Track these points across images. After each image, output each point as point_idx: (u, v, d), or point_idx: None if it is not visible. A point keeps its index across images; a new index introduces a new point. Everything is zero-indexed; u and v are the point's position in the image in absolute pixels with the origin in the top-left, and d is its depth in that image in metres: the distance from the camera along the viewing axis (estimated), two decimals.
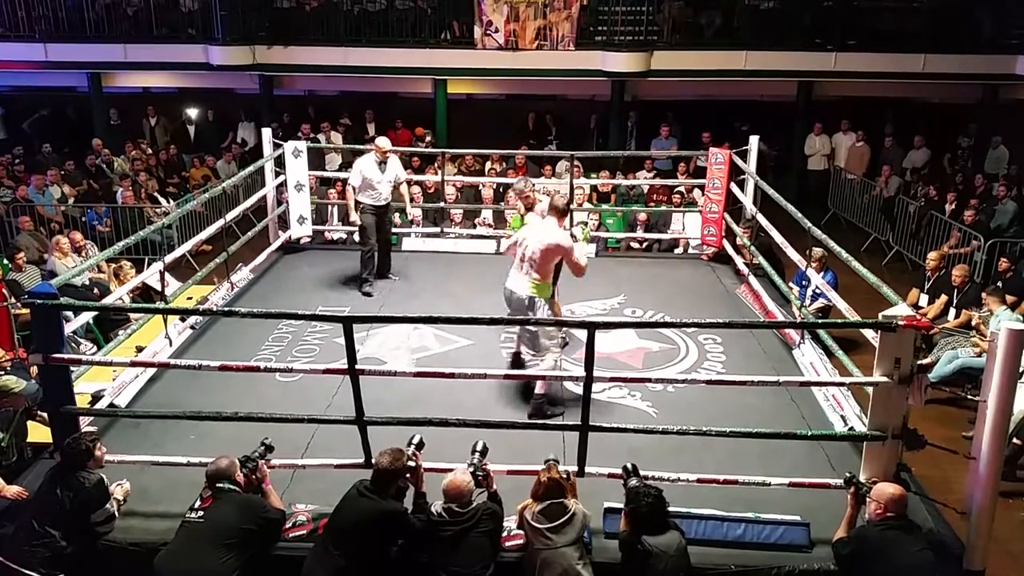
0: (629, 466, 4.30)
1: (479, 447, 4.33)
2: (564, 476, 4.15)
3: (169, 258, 6.94)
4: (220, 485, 4.10)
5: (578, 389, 4.54)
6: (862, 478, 4.36)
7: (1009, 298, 7.89)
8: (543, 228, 5.58)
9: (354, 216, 7.60)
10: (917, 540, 3.96)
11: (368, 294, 7.59)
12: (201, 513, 4.02)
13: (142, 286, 7.92)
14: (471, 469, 4.20)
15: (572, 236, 5.81)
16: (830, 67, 13.04)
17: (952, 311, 8.33)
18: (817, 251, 7.40)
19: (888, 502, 4.01)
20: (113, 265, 8.98)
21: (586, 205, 10.28)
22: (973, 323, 7.89)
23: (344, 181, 11.09)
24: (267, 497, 4.31)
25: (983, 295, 7.76)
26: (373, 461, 4.22)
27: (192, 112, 14.84)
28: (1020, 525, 5.98)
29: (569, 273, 5.85)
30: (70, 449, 4.27)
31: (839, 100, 14.17)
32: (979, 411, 4.12)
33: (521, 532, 4.15)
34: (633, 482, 4.14)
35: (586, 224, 6.59)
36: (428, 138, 13.82)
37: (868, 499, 4.11)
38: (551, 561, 3.91)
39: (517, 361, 6.05)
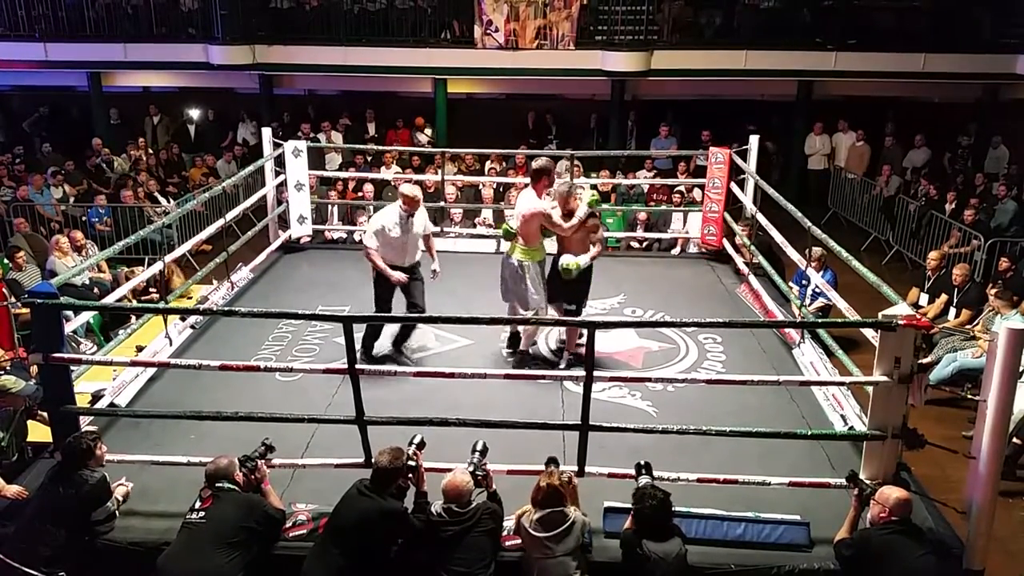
0: (642, 464, 4.30)
1: (479, 447, 4.32)
2: (566, 481, 4.13)
3: (169, 258, 6.95)
4: (219, 485, 4.11)
5: (578, 389, 4.54)
6: (862, 476, 4.35)
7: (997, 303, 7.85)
8: (522, 197, 6.04)
9: (398, 275, 6.07)
10: (920, 545, 3.95)
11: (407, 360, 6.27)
12: (203, 514, 4.03)
13: (142, 286, 7.93)
14: (471, 469, 4.20)
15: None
16: (830, 66, 13.05)
17: (952, 310, 8.33)
18: (816, 250, 7.40)
19: (893, 506, 4.00)
20: (125, 269, 8.98)
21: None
22: (978, 329, 7.86)
23: (344, 181, 11.21)
24: (266, 497, 4.31)
25: (992, 297, 7.71)
26: (373, 460, 4.22)
27: (192, 112, 14.84)
28: (1020, 524, 5.99)
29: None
30: (71, 448, 4.28)
31: (839, 99, 14.17)
32: (979, 411, 4.13)
33: (516, 535, 4.15)
34: (643, 481, 4.14)
35: (592, 195, 6.34)
36: (428, 131, 13.81)
37: (872, 501, 4.10)
38: (549, 570, 3.90)
39: (516, 338, 6.42)
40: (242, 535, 3.98)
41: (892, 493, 4.06)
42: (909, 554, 3.87)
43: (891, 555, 3.88)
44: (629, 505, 4.14)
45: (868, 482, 4.27)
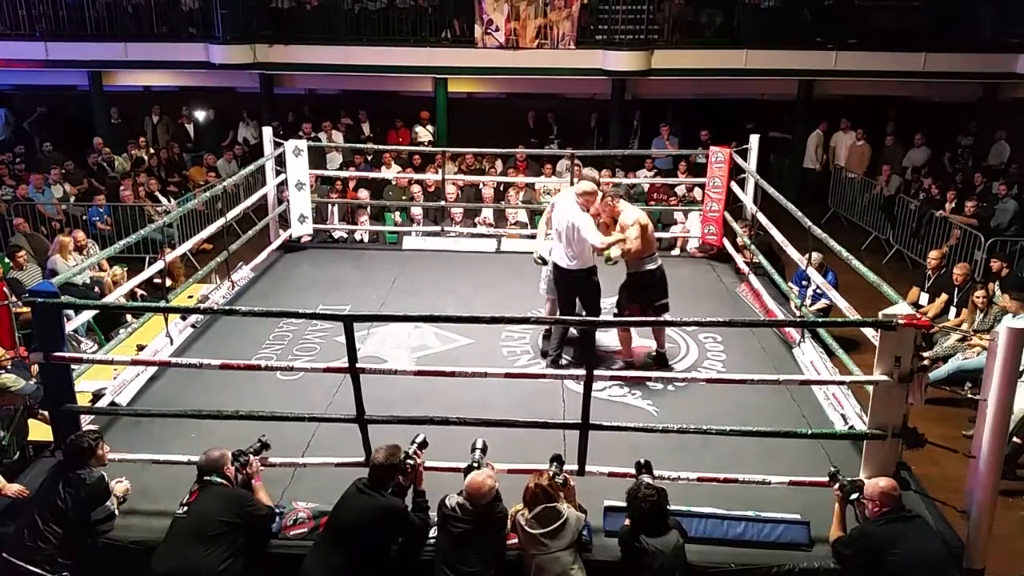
0: (642, 462, 4.31)
1: (479, 444, 4.35)
2: (561, 482, 4.14)
3: (170, 257, 6.95)
4: (208, 478, 4.11)
5: (578, 387, 4.55)
6: (862, 476, 4.36)
7: (1008, 301, 7.86)
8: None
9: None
10: (922, 530, 3.98)
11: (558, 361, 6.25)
12: (186, 508, 4.04)
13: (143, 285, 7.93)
14: (474, 465, 4.21)
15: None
16: (830, 66, 13.06)
17: (953, 310, 8.34)
18: (816, 256, 7.38)
19: (879, 497, 4.02)
20: (113, 272, 8.91)
21: None
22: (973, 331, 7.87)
23: (344, 181, 11.20)
24: (255, 493, 4.31)
25: (1007, 298, 7.70)
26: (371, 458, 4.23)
27: (193, 111, 14.85)
28: (1020, 524, 5.99)
29: None
30: (72, 446, 4.28)
31: (840, 99, 14.17)
32: (979, 410, 4.13)
33: (514, 534, 4.15)
34: (642, 479, 4.15)
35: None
36: (429, 127, 13.81)
37: (862, 499, 4.12)
38: (546, 567, 3.91)
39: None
40: (222, 529, 3.96)
41: (878, 484, 4.07)
42: (913, 540, 3.89)
43: (893, 544, 3.88)
44: None
45: (848, 479, 4.28)
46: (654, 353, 6.36)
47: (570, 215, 5.84)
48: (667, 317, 6.09)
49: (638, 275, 6.14)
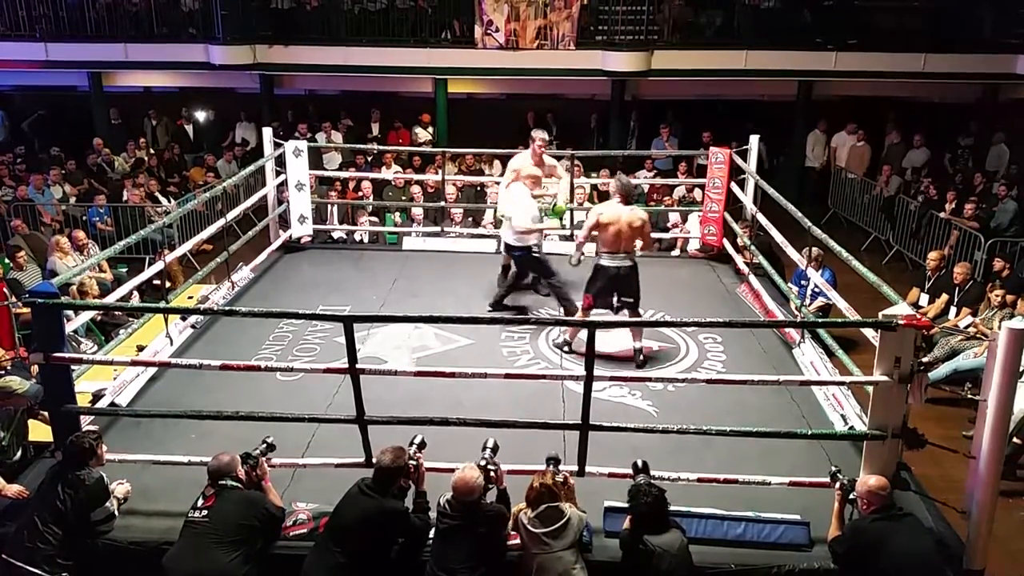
0: (639, 463, 4.31)
1: (490, 444, 4.34)
2: (561, 480, 4.13)
3: (170, 257, 6.95)
4: (222, 482, 4.12)
5: (579, 388, 4.55)
6: (862, 476, 4.36)
7: (1009, 297, 7.88)
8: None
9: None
10: (913, 528, 3.98)
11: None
12: (205, 512, 4.04)
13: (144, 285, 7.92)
14: (482, 463, 4.20)
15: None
16: (830, 67, 13.06)
17: (953, 310, 8.34)
18: (814, 250, 7.40)
19: (869, 495, 4.04)
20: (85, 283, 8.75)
21: (587, 204, 10.27)
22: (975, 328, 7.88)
23: (343, 181, 11.20)
24: (267, 494, 4.32)
25: (1014, 299, 7.71)
26: (374, 460, 4.23)
27: (193, 112, 14.84)
28: (1020, 524, 5.99)
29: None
30: (72, 447, 4.28)
31: (840, 100, 14.17)
32: (979, 410, 4.13)
33: (515, 533, 4.14)
34: (639, 479, 4.15)
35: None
36: (429, 128, 13.82)
37: (853, 496, 4.13)
38: (547, 566, 3.90)
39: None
40: (244, 533, 3.99)
41: (867, 482, 4.09)
42: (902, 538, 3.89)
43: (884, 541, 3.89)
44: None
45: (848, 479, 4.28)
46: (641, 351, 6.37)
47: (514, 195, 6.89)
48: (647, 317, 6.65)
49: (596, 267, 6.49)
